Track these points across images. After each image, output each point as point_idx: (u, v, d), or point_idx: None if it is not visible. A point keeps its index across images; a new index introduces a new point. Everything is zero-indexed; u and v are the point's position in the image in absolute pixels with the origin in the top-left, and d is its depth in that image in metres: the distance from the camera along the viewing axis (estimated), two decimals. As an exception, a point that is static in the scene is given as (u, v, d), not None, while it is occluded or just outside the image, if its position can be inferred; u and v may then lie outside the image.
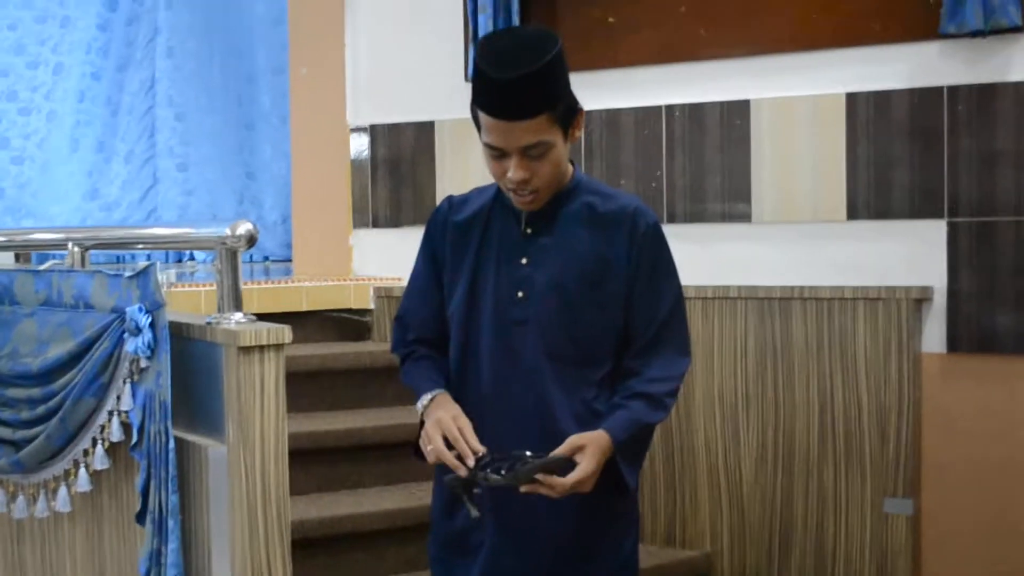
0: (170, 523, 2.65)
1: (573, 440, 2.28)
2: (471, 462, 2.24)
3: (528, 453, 2.25)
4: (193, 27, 7.59)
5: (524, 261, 2.39)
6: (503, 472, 2.21)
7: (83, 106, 7.56)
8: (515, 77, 2.19)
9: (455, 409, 2.35)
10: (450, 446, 2.29)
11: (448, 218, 2.50)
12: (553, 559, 2.42)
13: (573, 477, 2.24)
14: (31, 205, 7.52)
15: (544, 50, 2.22)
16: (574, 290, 2.37)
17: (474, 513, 2.26)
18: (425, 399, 2.41)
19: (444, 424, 2.30)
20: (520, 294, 2.38)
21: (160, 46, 7.56)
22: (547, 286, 2.37)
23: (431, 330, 2.52)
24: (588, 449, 2.27)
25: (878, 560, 4.02)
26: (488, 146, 2.30)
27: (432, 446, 2.30)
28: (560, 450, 2.26)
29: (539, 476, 2.22)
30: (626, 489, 2.39)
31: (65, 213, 7.49)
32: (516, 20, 4.51)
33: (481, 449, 2.26)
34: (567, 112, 2.30)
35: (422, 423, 2.43)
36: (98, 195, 7.55)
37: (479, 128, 2.34)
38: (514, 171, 2.29)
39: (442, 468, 2.49)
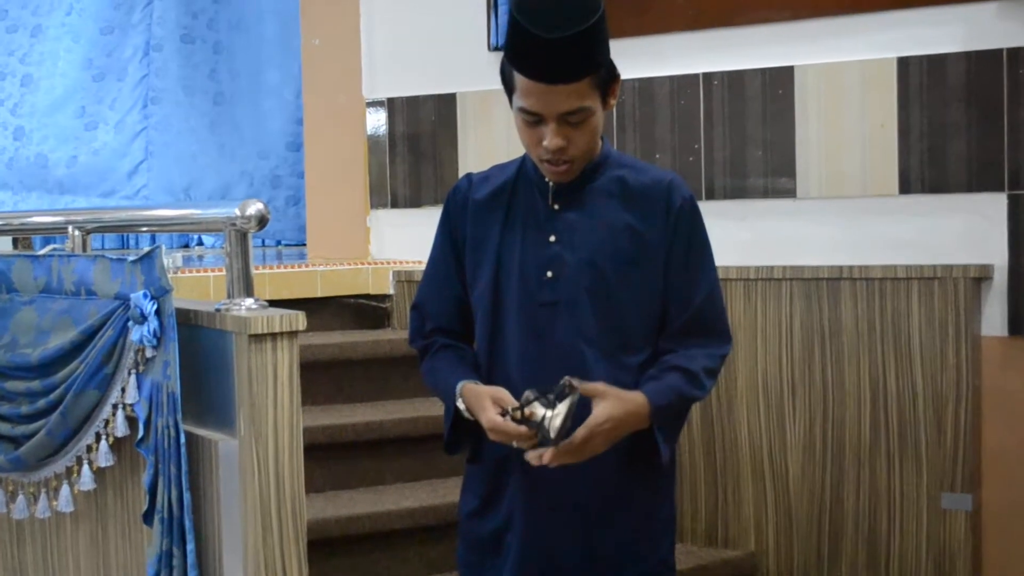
0: (186, 523, 2.67)
1: (598, 385, 2.27)
2: (524, 441, 2.23)
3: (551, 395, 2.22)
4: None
5: (552, 239, 2.38)
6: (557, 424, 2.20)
7: (59, 68, 7.51)
8: (563, 37, 2.18)
9: (487, 399, 2.31)
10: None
11: (468, 196, 2.49)
12: (585, 560, 2.42)
13: (584, 428, 2.22)
14: (4, 176, 7.49)
15: (590, 8, 2.22)
16: (608, 269, 2.36)
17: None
18: (461, 405, 2.38)
19: (499, 428, 2.26)
20: (549, 274, 2.37)
21: (156, 11, 7.52)
22: (578, 265, 2.36)
23: (451, 319, 2.52)
24: (609, 399, 2.25)
25: (936, 559, 4.00)
26: (523, 111, 2.29)
27: (515, 443, 2.28)
28: (587, 388, 2.25)
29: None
30: (660, 464, 2.37)
31: (47, 184, 7.45)
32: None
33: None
34: (608, 77, 2.30)
35: (455, 413, 2.42)
36: (77, 164, 7.49)
37: (510, 93, 2.33)
38: (551, 138, 2.28)
39: (473, 469, 2.51)
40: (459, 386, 2.39)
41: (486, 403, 2.29)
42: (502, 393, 2.30)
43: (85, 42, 7.48)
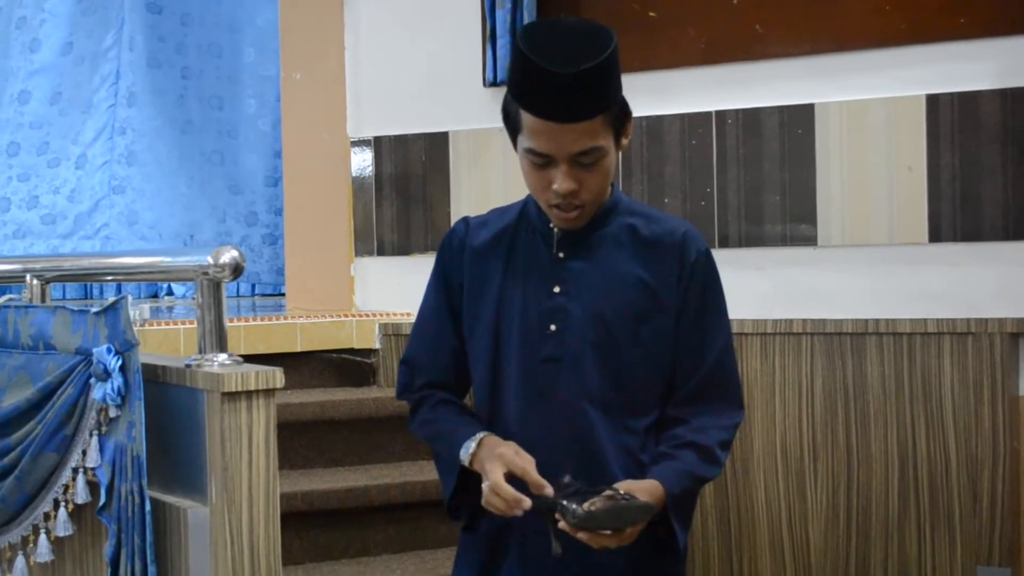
0: (146, 599, 2.65)
1: (621, 487, 2.25)
2: (550, 490, 2.20)
3: (612, 488, 2.20)
4: (164, 22, 7.60)
5: (557, 290, 2.37)
6: (585, 506, 2.17)
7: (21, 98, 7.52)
8: (576, 72, 2.16)
9: (513, 445, 2.29)
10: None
11: (465, 242, 2.47)
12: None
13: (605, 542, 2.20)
14: None
15: (604, 41, 2.20)
16: (615, 324, 2.34)
17: (556, 549, 2.22)
18: (471, 445, 2.35)
19: (507, 459, 2.24)
20: (552, 327, 2.36)
21: (126, 35, 7.53)
22: (584, 318, 2.35)
23: (445, 373, 2.50)
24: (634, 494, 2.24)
25: (971, 640, 3.98)
26: (531, 152, 2.28)
27: (500, 494, 2.22)
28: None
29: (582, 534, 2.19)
30: (676, 552, 2.35)
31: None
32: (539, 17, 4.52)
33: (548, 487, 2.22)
34: (621, 115, 2.29)
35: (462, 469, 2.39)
36: (37, 204, 7.46)
37: (514, 133, 2.32)
38: (562, 181, 2.26)
39: (469, 539, 2.47)
40: (480, 435, 2.35)
41: (506, 455, 2.26)
42: (531, 466, 2.26)
43: (51, 69, 7.50)
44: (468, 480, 2.38)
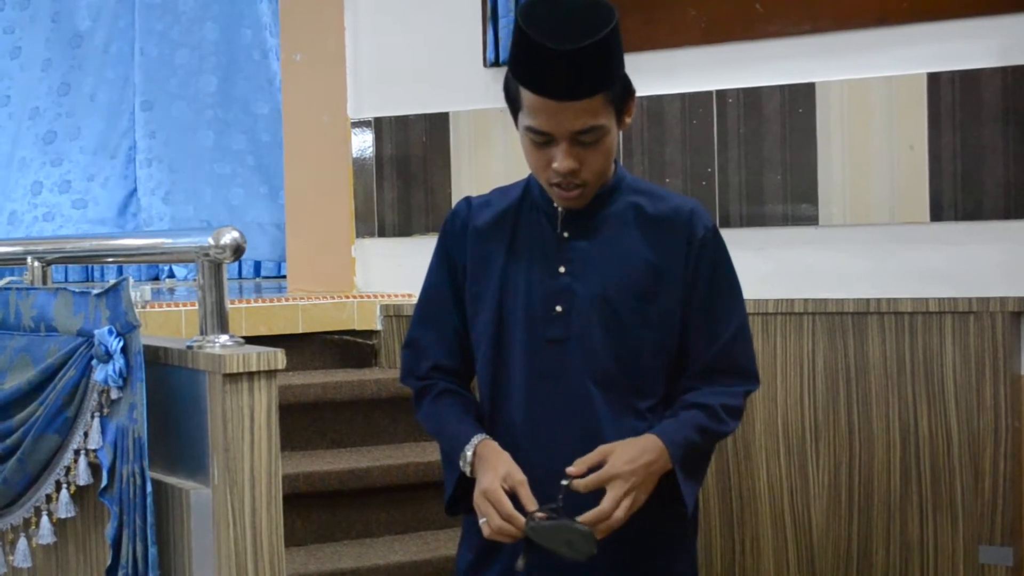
0: (148, 579, 2.65)
1: (596, 452, 2.24)
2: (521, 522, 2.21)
3: (564, 483, 2.21)
4: (163, 6, 7.65)
5: (562, 270, 2.36)
6: (538, 516, 2.18)
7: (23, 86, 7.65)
8: (576, 49, 2.15)
9: (503, 466, 2.28)
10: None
11: (468, 222, 2.46)
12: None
13: (604, 504, 2.19)
14: None
15: (605, 18, 2.19)
16: (621, 304, 2.34)
17: (519, 565, 2.23)
18: (468, 454, 2.35)
19: (492, 496, 2.24)
20: (558, 308, 2.35)
21: (137, 29, 7.60)
22: (590, 299, 2.34)
23: (450, 355, 2.49)
24: (616, 448, 2.23)
25: (972, 618, 3.98)
26: (531, 131, 2.27)
27: (490, 526, 2.24)
28: (588, 479, 2.22)
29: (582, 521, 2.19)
30: (683, 514, 2.35)
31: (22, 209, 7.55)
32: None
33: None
34: (623, 93, 2.28)
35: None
36: (70, 189, 7.59)
37: (515, 111, 2.31)
38: (562, 160, 2.26)
39: (472, 520, 2.48)
40: (478, 437, 2.35)
41: (500, 469, 2.27)
42: (520, 476, 2.26)
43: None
44: (467, 481, 2.38)
